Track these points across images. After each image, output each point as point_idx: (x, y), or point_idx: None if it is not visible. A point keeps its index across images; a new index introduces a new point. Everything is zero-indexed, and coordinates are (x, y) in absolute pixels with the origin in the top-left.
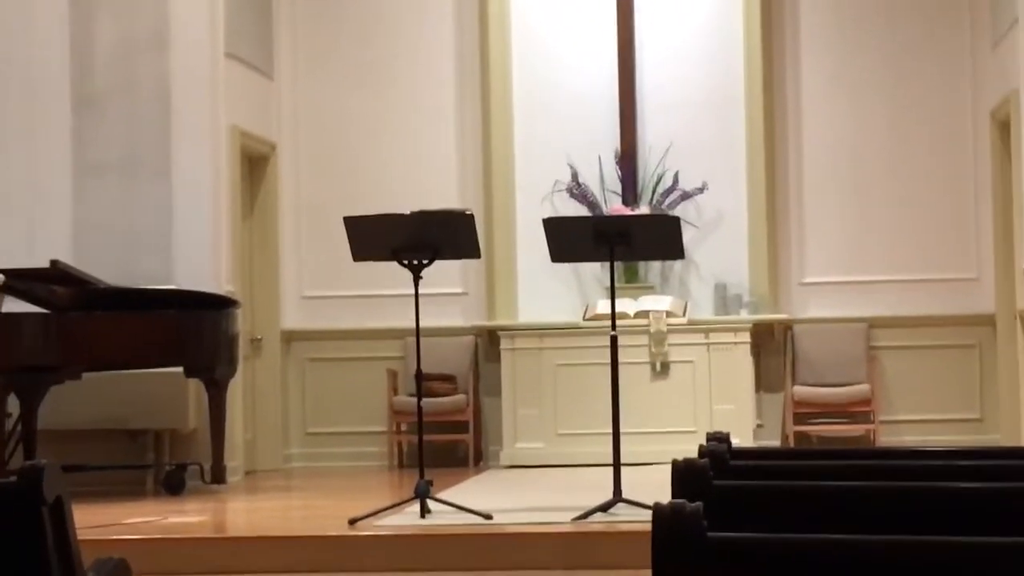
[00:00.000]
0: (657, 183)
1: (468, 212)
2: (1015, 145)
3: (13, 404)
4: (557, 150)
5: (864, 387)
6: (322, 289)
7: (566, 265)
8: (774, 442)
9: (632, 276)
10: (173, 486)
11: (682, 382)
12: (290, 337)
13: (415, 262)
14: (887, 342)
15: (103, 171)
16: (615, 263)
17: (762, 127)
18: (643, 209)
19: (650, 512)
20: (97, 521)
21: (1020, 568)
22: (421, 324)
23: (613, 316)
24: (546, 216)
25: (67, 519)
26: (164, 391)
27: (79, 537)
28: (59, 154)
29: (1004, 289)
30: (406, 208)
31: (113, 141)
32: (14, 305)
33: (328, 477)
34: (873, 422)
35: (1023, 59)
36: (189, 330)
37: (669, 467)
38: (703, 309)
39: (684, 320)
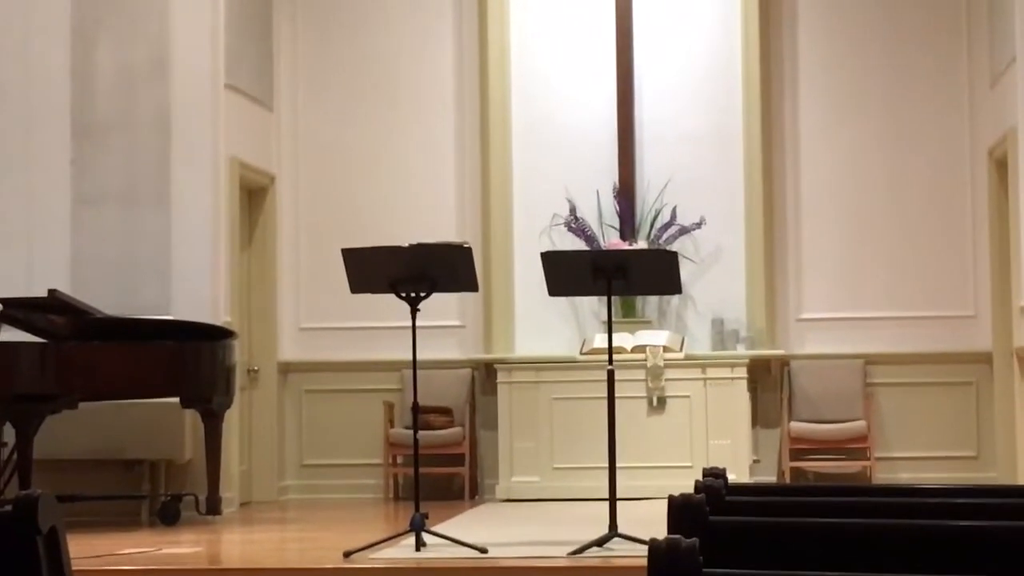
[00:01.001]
0: (655, 218)
1: (466, 245)
2: (1012, 183)
3: (8, 433)
4: (555, 184)
5: (861, 424)
6: (319, 321)
7: (563, 299)
8: (770, 478)
9: (629, 310)
10: (168, 517)
11: (679, 417)
12: (287, 368)
13: (413, 295)
14: (884, 379)
15: (102, 201)
16: (612, 297)
17: (760, 163)
18: (641, 244)
19: (646, 547)
20: (92, 551)
21: None
22: (418, 357)
23: (610, 350)
24: (544, 250)
25: (62, 549)
26: (160, 421)
27: (74, 568)
28: (58, 183)
29: (1001, 327)
30: (404, 240)
31: (112, 171)
32: (11, 334)
33: (323, 509)
34: (869, 459)
35: (1021, 97)
36: (186, 361)
37: (665, 502)
38: (700, 344)
39: (681, 355)
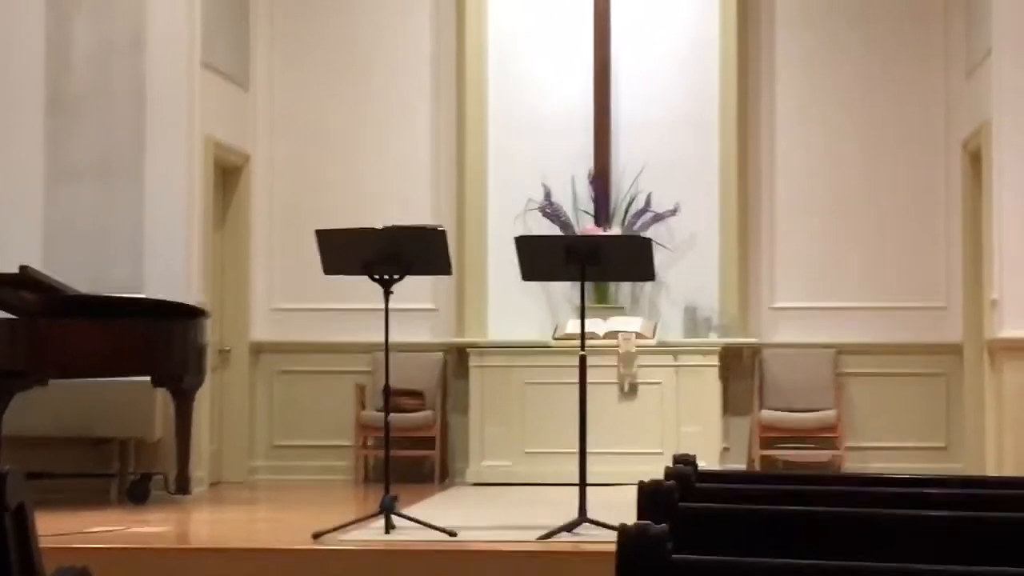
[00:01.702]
0: (630, 204)
1: (440, 228)
2: (986, 176)
3: None
4: (531, 169)
5: (831, 413)
6: (292, 301)
7: (537, 284)
8: (740, 466)
9: (602, 296)
10: (137, 495)
11: (650, 403)
12: (259, 349)
13: (386, 277)
14: (855, 369)
15: (76, 176)
16: (586, 283)
17: (735, 150)
18: (615, 230)
19: (615, 533)
20: (60, 529)
21: None
22: (391, 339)
23: (583, 336)
24: (518, 234)
25: (29, 526)
26: (131, 400)
27: (41, 545)
28: (32, 158)
29: (972, 319)
30: (378, 223)
31: (86, 146)
32: None
33: (293, 490)
34: (839, 448)
35: (996, 90)
36: (158, 339)
37: (635, 488)
38: (672, 331)
39: (653, 341)
